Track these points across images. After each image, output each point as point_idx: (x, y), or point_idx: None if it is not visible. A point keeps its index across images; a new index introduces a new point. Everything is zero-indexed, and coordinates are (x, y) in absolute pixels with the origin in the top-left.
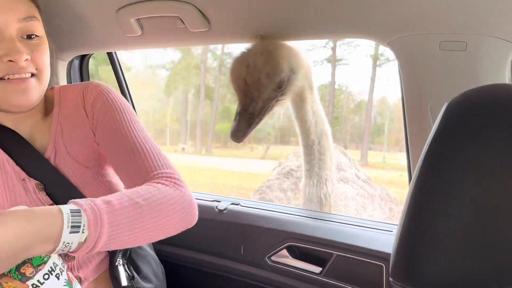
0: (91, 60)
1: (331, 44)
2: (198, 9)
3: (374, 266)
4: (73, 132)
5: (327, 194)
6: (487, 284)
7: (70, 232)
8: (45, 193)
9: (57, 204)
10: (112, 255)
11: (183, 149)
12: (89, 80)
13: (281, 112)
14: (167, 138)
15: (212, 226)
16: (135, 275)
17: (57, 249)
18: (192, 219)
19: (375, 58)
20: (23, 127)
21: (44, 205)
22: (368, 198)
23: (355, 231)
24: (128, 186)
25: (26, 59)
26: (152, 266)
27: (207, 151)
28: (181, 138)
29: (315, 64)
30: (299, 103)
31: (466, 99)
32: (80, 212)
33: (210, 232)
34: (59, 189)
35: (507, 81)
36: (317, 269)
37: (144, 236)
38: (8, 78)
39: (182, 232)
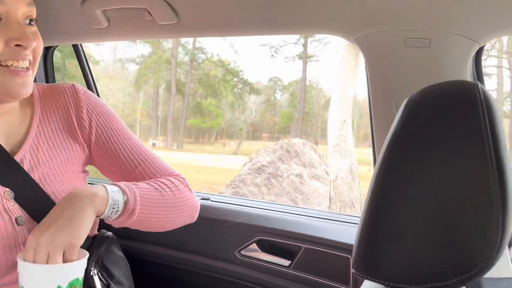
0: (59, 53)
1: (302, 40)
2: (166, 1)
3: (341, 258)
4: (56, 137)
5: (356, 166)
6: (446, 277)
7: (113, 191)
8: (13, 202)
9: (27, 212)
10: None
11: (153, 144)
12: (53, 72)
13: (253, 108)
14: (137, 133)
15: None
16: (110, 282)
17: (109, 203)
18: (192, 220)
19: None
20: None
21: (12, 215)
22: None
23: (323, 224)
24: None
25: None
26: (123, 269)
27: (178, 146)
28: (151, 134)
29: (286, 60)
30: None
31: (426, 95)
32: (111, 184)
33: (179, 227)
34: (30, 198)
35: (468, 78)
36: (286, 262)
37: (164, 217)
38: (11, 65)
39: None
